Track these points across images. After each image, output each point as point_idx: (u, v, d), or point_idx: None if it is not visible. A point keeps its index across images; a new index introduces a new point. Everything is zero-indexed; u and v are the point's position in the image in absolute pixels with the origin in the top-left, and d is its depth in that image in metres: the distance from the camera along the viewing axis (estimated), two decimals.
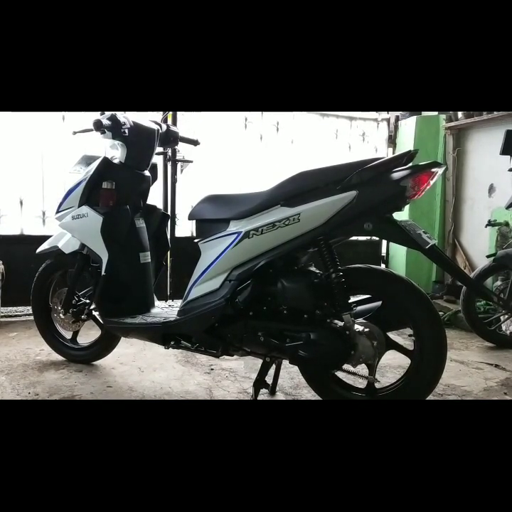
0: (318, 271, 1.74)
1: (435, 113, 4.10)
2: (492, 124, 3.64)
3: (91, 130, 2.10)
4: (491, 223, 3.33)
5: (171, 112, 3.30)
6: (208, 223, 1.84)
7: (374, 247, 4.34)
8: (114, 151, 2.20)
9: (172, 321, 1.89)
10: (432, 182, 1.57)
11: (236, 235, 1.72)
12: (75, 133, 2.38)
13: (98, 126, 2.02)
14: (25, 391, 2.05)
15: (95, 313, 2.28)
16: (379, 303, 1.71)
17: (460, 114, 3.90)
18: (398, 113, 4.30)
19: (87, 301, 2.29)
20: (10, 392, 2.04)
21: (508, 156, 2.77)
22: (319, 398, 1.87)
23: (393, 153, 4.26)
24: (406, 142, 4.19)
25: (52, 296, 2.42)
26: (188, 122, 3.53)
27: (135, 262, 2.16)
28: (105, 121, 2.02)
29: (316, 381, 1.84)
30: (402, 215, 1.64)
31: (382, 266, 4.33)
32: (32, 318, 2.55)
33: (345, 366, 1.67)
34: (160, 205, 3.23)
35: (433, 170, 1.56)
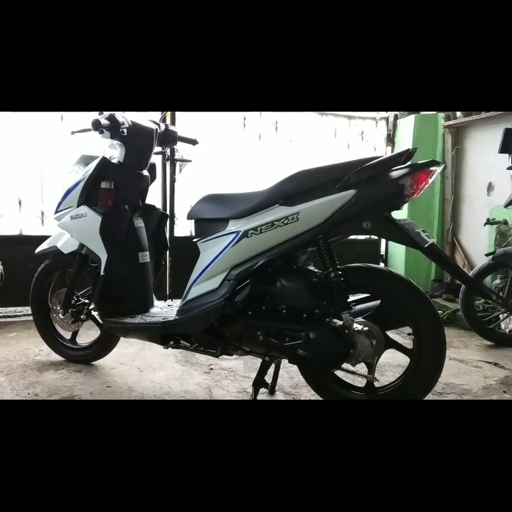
0: (317, 270, 1.74)
1: (434, 112, 4.10)
2: (490, 123, 3.64)
3: (89, 130, 2.10)
4: (489, 222, 3.33)
5: (169, 112, 3.30)
6: (207, 223, 1.84)
7: (373, 246, 4.34)
8: (113, 151, 2.19)
9: (171, 320, 1.89)
10: (430, 181, 1.57)
11: (235, 234, 1.72)
12: (73, 133, 2.38)
13: (96, 125, 2.01)
14: (25, 391, 2.05)
15: (94, 313, 2.28)
16: (378, 302, 1.71)
17: (458, 112, 3.91)
18: (397, 112, 4.30)
19: (86, 301, 2.29)
20: (9, 393, 2.04)
21: (507, 155, 2.77)
22: (319, 397, 1.87)
23: (392, 151, 4.26)
24: (405, 141, 4.19)
25: (51, 296, 2.42)
26: (187, 122, 3.52)
27: (134, 261, 2.15)
28: (104, 121, 2.01)
29: (316, 380, 1.85)
30: (400, 214, 1.64)
31: (381, 265, 4.33)
32: (31, 318, 2.55)
33: (345, 365, 1.67)
34: (159, 205, 3.24)
35: (431, 168, 1.56)
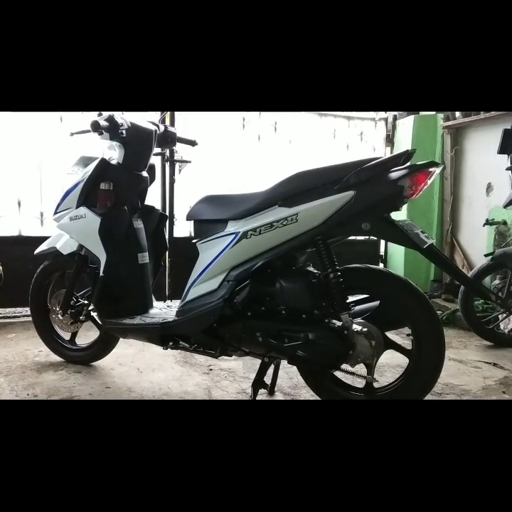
0: (316, 271, 1.75)
1: (433, 112, 4.11)
2: (489, 123, 3.64)
3: (89, 131, 2.10)
4: (488, 222, 3.33)
5: (168, 113, 3.30)
6: (206, 224, 1.84)
7: (372, 247, 4.34)
8: (112, 152, 2.19)
9: (170, 321, 1.89)
10: (429, 182, 1.58)
11: (234, 235, 1.72)
12: (72, 134, 2.38)
13: (96, 127, 2.01)
14: (24, 392, 2.05)
15: (94, 314, 2.28)
16: (377, 302, 1.71)
17: (458, 113, 3.91)
18: (396, 112, 4.31)
19: (86, 302, 2.29)
20: (8, 394, 2.04)
21: (506, 155, 2.78)
22: (318, 398, 1.87)
23: (391, 152, 4.26)
24: (404, 141, 4.19)
25: (50, 297, 2.42)
26: (186, 123, 3.53)
27: (133, 262, 2.16)
28: (103, 123, 2.02)
29: (315, 381, 1.85)
30: (400, 215, 1.64)
31: (381, 265, 4.33)
32: (30, 319, 2.54)
33: (344, 366, 1.67)
34: (158, 206, 3.24)
35: (430, 169, 1.56)
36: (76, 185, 2.15)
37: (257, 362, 1.83)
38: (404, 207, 1.70)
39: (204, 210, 1.84)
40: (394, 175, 1.55)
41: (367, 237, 3.99)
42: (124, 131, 2.07)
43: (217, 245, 1.76)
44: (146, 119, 2.27)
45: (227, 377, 2.27)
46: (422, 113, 4.13)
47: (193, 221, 1.89)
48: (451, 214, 4.10)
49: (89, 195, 2.11)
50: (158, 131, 2.26)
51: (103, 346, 2.38)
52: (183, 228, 3.65)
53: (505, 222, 3.40)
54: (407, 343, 1.94)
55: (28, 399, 1.98)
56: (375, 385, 1.75)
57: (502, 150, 2.74)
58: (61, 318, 2.34)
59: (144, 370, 2.36)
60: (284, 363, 1.85)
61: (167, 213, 3.42)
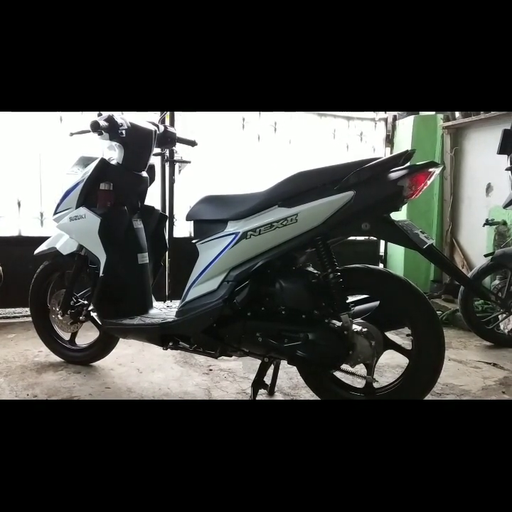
0: (316, 271, 1.75)
1: (433, 113, 4.11)
2: (489, 124, 3.64)
3: (88, 131, 2.10)
4: (488, 222, 3.33)
5: (168, 113, 3.30)
6: (206, 224, 1.84)
7: (372, 247, 4.35)
8: (112, 152, 2.20)
9: (170, 321, 1.89)
10: (429, 182, 1.58)
11: (234, 235, 1.72)
12: (72, 134, 2.38)
13: (95, 127, 2.02)
14: (24, 393, 2.05)
15: (93, 315, 2.28)
16: (377, 303, 1.71)
17: (457, 113, 3.91)
18: (396, 113, 4.31)
19: (85, 302, 2.29)
20: (8, 394, 2.04)
21: (506, 155, 2.78)
22: (318, 398, 1.87)
23: (391, 152, 4.26)
24: (404, 142, 4.19)
25: (50, 297, 2.42)
26: (186, 123, 3.53)
27: (133, 263, 2.16)
28: (102, 123, 2.02)
29: (315, 381, 1.85)
30: (399, 215, 1.64)
31: (380, 266, 4.33)
32: (30, 319, 2.54)
33: (344, 366, 1.67)
34: (158, 206, 3.24)
35: (430, 170, 1.56)
36: (76, 185, 2.15)
37: (257, 362, 1.83)
38: (404, 207, 1.70)
39: (204, 211, 1.84)
40: (394, 175, 1.55)
41: (367, 237, 3.99)
42: (123, 132, 2.07)
43: (217, 245, 1.76)
44: (146, 120, 2.27)
45: (227, 378, 2.27)
46: (421, 113, 4.13)
47: (192, 221, 1.89)
48: (451, 214, 4.10)
49: (89, 195, 2.11)
50: (157, 132, 2.26)
51: (103, 346, 2.38)
52: (183, 228, 3.65)
53: (505, 223, 3.41)
54: (406, 344, 1.94)
55: (28, 399, 1.98)
56: (375, 385, 1.75)
57: (502, 150, 2.74)
58: (61, 318, 2.34)
59: (144, 371, 2.36)
60: (283, 363, 1.85)
61: (167, 213, 3.42)
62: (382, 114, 4.31)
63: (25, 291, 2.46)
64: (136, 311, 2.13)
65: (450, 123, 3.96)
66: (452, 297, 3.67)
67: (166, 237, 2.38)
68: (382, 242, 4.37)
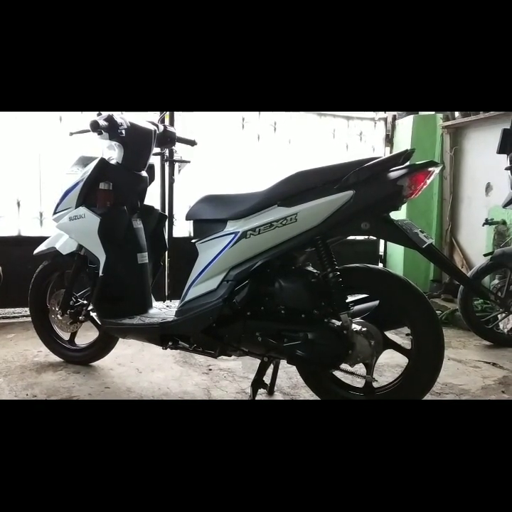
0: (315, 271, 1.75)
1: (432, 112, 4.11)
2: (489, 123, 3.64)
3: (88, 131, 2.10)
4: (488, 222, 3.33)
5: (168, 113, 3.29)
6: (206, 223, 1.84)
7: (372, 247, 4.34)
8: (111, 152, 2.19)
9: (170, 321, 1.89)
10: (428, 181, 1.58)
11: (233, 235, 1.72)
12: (71, 134, 2.38)
13: (95, 127, 2.01)
14: (23, 393, 2.05)
15: (93, 315, 2.28)
16: (376, 302, 1.71)
17: (457, 113, 3.91)
18: (395, 112, 4.31)
19: (85, 302, 2.29)
20: (8, 394, 2.03)
21: (505, 155, 2.78)
22: (317, 398, 1.87)
23: (391, 152, 4.26)
24: (403, 141, 4.19)
25: (49, 297, 2.42)
26: (185, 123, 3.53)
27: (133, 262, 2.15)
28: (102, 122, 2.01)
29: (314, 381, 1.85)
30: (399, 215, 1.64)
31: (380, 265, 4.33)
32: (30, 319, 2.54)
33: (343, 365, 1.67)
34: (158, 206, 3.24)
35: (430, 169, 1.56)
36: (75, 185, 2.15)
37: (257, 362, 1.83)
38: (404, 207, 1.71)
39: (203, 210, 1.84)
40: (393, 174, 1.55)
41: (366, 236, 3.98)
42: (123, 131, 2.06)
43: (217, 245, 1.76)
44: (146, 119, 2.27)
45: (226, 377, 2.27)
46: (421, 113, 4.13)
47: (192, 221, 1.89)
48: (451, 214, 4.10)
49: (88, 195, 2.11)
50: (157, 131, 2.26)
51: (102, 346, 2.37)
52: (183, 228, 3.65)
53: (504, 222, 3.41)
54: (406, 343, 1.94)
55: (27, 399, 1.98)
56: (375, 384, 1.75)
57: (501, 150, 2.74)
58: (60, 318, 2.34)
59: (143, 370, 2.36)
60: (283, 362, 1.85)
61: (166, 213, 3.42)
62: (381, 114, 4.31)
63: (25, 291, 2.46)
64: (136, 310, 2.13)
65: (450, 122, 3.96)
66: (452, 297, 3.67)
67: (166, 236, 2.38)
68: (382, 242, 4.37)
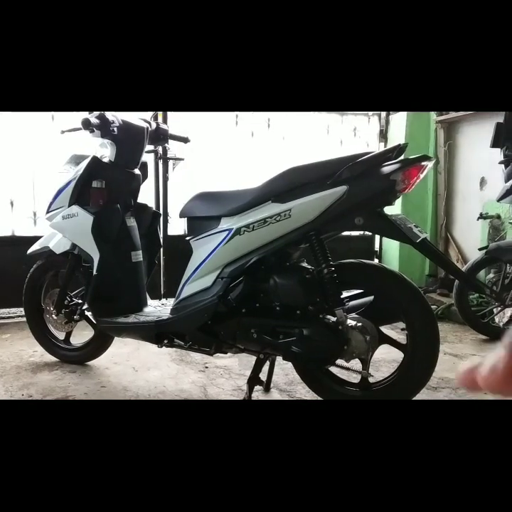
0: (310, 266, 1.74)
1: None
2: (482, 117, 3.64)
3: (80, 129, 2.08)
4: (482, 216, 3.34)
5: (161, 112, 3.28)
6: (199, 221, 1.83)
7: (367, 242, 4.35)
8: (104, 150, 2.18)
9: (165, 319, 1.89)
10: (422, 175, 1.57)
11: (227, 232, 1.71)
12: (63, 132, 2.37)
13: (86, 124, 2.00)
14: (19, 393, 2.04)
15: (88, 314, 2.27)
16: (371, 297, 1.71)
17: None
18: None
19: (80, 301, 2.28)
20: (3, 394, 2.03)
21: (499, 149, 2.78)
22: (314, 394, 1.87)
23: (385, 147, 4.25)
24: (397, 136, 4.19)
25: (44, 297, 2.40)
26: (179, 120, 3.51)
27: (127, 261, 2.15)
28: (94, 120, 2.00)
29: (310, 377, 1.85)
30: (394, 210, 1.64)
31: (375, 260, 4.34)
32: (24, 319, 2.53)
33: (339, 361, 1.67)
34: (152, 204, 3.23)
35: (423, 163, 1.56)
36: (68, 183, 2.14)
37: (253, 359, 1.82)
38: (399, 202, 1.71)
39: (197, 207, 1.84)
40: (386, 169, 1.55)
41: (361, 232, 3.98)
42: (115, 129, 2.05)
43: (211, 242, 1.76)
44: (138, 117, 2.26)
45: (222, 375, 2.26)
46: None
47: (186, 218, 1.89)
48: (445, 208, 4.10)
49: (81, 193, 2.10)
50: (150, 129, 2.25)
51: (98, 345, 2.37)
52: (178, 226, 3.64)
53: (498, 216, 3.41)
54: (402, 338, 1.94)
55: (23, 399, 1.98)
56: (371, 379, 1.75)
57: (495, 144, 2.74)
58: (55, 317, 2.33)
59: (140, 369, 2.35)
60: (279, 359, 1.85)
61: (161, 211, 3.41)
62: None
63: (19, 291, 2.45)
64: (131, 309, 2.12)
65: (443, 117, 3.96)
66: (447, 291, 3.67)
67: (160, 234, 2.37)
68: (377, 237, 4.38)
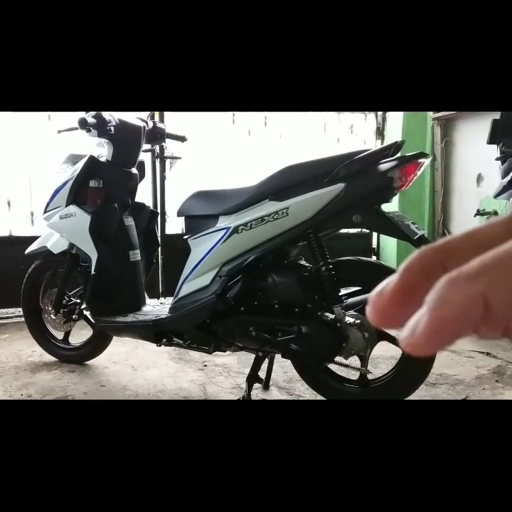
0: (308, 264, 1.75)
1: None
2: (479, 114, 3.65)
3: (76, 128, 2.08)
4: (479, 213, 3.35)
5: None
6: (197, 219, 1.83)
7: (365, 240, 4.35)
8: (101, 149, 2.18)
9: (163, 318, 1.89)
10: (419, 173, 1.58)
11: (225, 230, 1.72)
12: (60, 132, 2.36)
13: (83, 124, 2.00)
14: (18, 393, 2.04)
15: (86, 313, 2.27)
16: (369, 294, 1.72)
17: None
18: None
19: (78, 300, 2.28)
20: (2, 394, 2.03)
21: (495, 145, 2.78)
22: (313, 391, 1.88)
23: (382, 145, 4.26)
24: (394, 134, 4.19)
25: (42, 296, 2.40)
26: (175, 119, 3.51)
27: (125, 260, 2.15)
28: (90, 119, 2.00)
29: (309, 374, 1.85)
30: (391, 207, 1.65)
31: (373, 258, 4.34)
32: (23, 319, 2.53)
33: (338, 358, 1.68)
34: (150, 203, 3.23)
35: (420, 160, 1.56)
36: (65, 183, 2.14)
37: (252, 357, 1.83)
38: (396, 199, 1.71)
39: (194, 206, 1.84)
40: (383, 166, 1.55)
41: (359, 229, 3.99)
42: (112, 128, 2.05)
43: (209, 241, 1.76)
44: (135, 116, 2.26)
45: (221, 373, 2.27)
46: None
47: (183, 217, 1.89)
48: (443, 205, 4.11)
49: (78, 193, 2.10)
50: (146, 128, 2.24)
51: (97, 345, 2.37)
52: (175, 225, 3.64)
53: (496, 213, 3.42)
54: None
55: (22, 399, 1.98)
56: (369, 376, 1.76)
57: (491, 140, 2.74)
58: (54, 317, 2.33)
59: (139, 368, 2.35)
60: (278, 357, 1.85)
61: (158, 210, 3.41)
62: None
63: (17, 291, 2.44)
64: (129, 308, 2.12)
65: (440, 114, 3.96)
66: None
67: (158, 233, 2.37)
68: (375, 235, 4.38)
